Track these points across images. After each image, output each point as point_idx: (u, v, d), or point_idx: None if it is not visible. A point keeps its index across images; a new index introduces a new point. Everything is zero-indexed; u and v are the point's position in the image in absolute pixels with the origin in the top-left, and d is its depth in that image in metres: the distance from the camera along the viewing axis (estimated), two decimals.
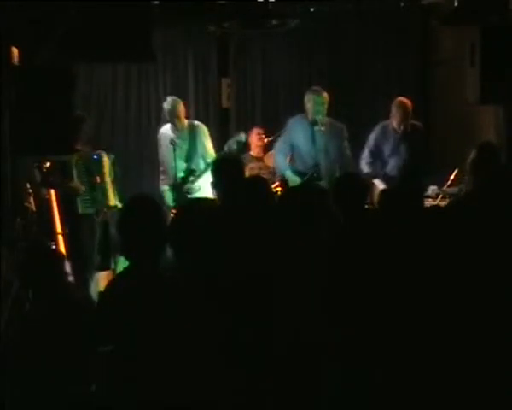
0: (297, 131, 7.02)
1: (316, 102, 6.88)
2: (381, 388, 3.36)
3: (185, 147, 7.26)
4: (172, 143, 7.15)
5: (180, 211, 3.67)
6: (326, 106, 6.91)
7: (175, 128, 7.31)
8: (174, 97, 7.41)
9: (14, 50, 4.90)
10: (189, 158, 7.25)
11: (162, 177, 7.47)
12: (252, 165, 7.72)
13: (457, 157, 5.98)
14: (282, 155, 7.05)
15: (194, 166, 7.23)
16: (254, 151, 8.02)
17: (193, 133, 7.32)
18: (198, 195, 7.12)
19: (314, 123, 6.88)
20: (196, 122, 7.45)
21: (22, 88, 4.91)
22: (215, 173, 5.27)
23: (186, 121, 7.37)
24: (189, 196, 7.13)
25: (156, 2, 5.82)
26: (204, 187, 7.21)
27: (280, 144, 7.15)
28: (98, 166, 7.01)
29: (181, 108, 7.30)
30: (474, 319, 3.37)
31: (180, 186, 7.20)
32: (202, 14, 6.63)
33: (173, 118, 7.25)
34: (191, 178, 7.17)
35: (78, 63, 6.28)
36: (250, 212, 4.15)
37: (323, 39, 8.89)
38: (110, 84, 8.76)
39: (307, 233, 3.63)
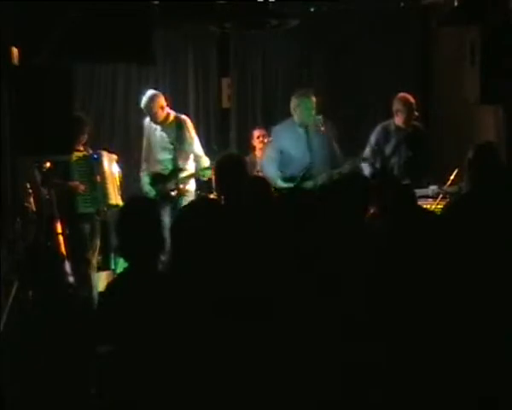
0: (286, 137, 6.89)
1: (306, 107, 6.78)
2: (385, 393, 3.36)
3: (171, 140, 7.17)
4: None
5: (182, 211, 3.67)
6: (314, 109, 6.80)
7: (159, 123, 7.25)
8: (151, 93, 7.27)
9: (14, 50, 4.90)
10: (175, 152, 7.16)
11: (144, 166, 7.38)
12: (258, 168, 7.61)
13: (457, 157, 5.98)
14: (272, 164, 6.83)
15: (181, 164, 7.19)
16: (259, 153, 7.95)
17: (179, 127, 7.22)
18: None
19: (303, 126, 6.82)
20: (183, 116, 7.33)
21: (22, 88, 4.90)
22: (218, 173, 5.28)
23: (172, 114, 7.27)
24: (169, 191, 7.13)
25: (156, 3, 5.82)
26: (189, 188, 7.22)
27: (269, 153, 6.97)
28: (98, 165, 7.02)
29: (160, 103, 7.16)
30: (472, 317, 3.37)
31: (161, 179, 7.18)
32: (202, 14, 6.62)
33: (149, 114, 7.19)
34: (176, 179, 7.14)
35: (78, 63, 6.28)
36: (251, 211, 4.15)
37: (323, 39, 8.88)
38: (110, 84, 8.76)
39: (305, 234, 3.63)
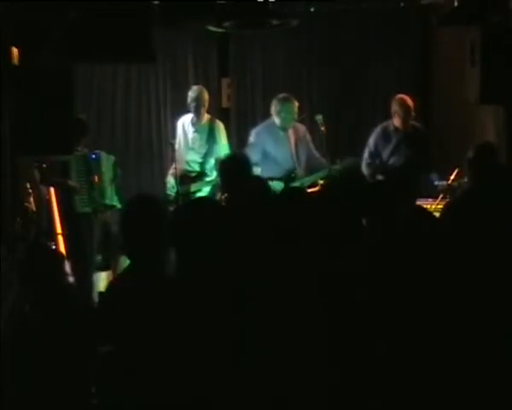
0: (268, 138, 7.03)
1: (289, 111, 6.96)
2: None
3: (202, 142, 7.22)
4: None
5: (183, 210, 3.66)
6: (296, 114, 7.00)
7: (196, 119, 7.27)
8: (200, 86, 7.44)
9: (14, 50, 4.90)
10: (204, 154, 7.22)
11: (173, 165, 7.26)
12: None
13: (457, 157, 5.98)
14: (255, 166, 6.75)
15: (207, 168, 7.21)
16: None
17: (212, 130, 7.27)
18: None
19: (283, 129, 7.00)
20: (217, 120, 7.42)
21: (22, 88, 4.91)
22: (222, 172, 5.30)
23: (207, 116, 7.34)
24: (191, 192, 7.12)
25: (156, 2, 5.82)
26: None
27: (251, 156, 6.71)
28: (96, 165, 7.02)
29: (206, 98, 7.29)
30: (471, 317, 3.36)
31: (186, 181, 7.17)
32: (202, 14, 6.62)
33: (197, 106, 7.22)
34: (200, 183, 7.14)
35: (78, 63, 6.28)
36: (252, 212, 4.15)
37: (323, 39, 8.88)
38: (110, 85, 8.76)
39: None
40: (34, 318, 3.80)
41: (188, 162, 7.26)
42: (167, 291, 3.29)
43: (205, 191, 7.18)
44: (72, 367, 3.65)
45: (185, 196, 6.98)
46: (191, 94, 7.30)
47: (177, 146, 7.32)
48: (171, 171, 7.27)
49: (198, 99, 7.24)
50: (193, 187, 7.13)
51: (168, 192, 7.16)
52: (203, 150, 7.22)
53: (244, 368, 3.21)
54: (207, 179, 7.18)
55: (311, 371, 3.29)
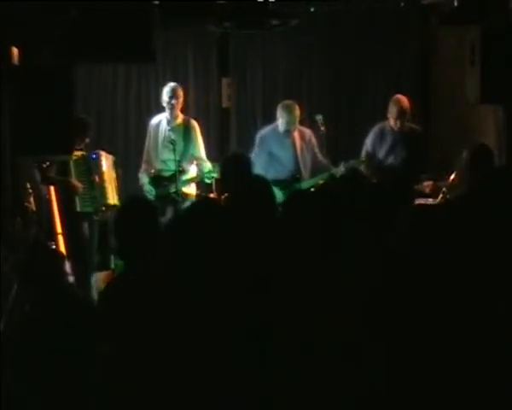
0: (273, 141, 7.13)
1: (288, 120, 7.05)
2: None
3: (178, 140, 7.19)
4: (172, 142, 7.13)
5: (182, 212, 3.67)
6: (297, 119, 7.09)
7: (170, 119, 7.26)
8: (175, 83, 7.45)
9: (14, 50, 4.90)
10: (180, 153, 7.19)
11: (144, 166, 7.39)
12: None
13: (457, 157, 5.98)
14: (261, 169, 6.87)
15: (184, 166, 7.21)
16: None
17: (187, 130, 7.29)
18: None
19: (286, 133, 7.11)
20: (191, 119, 7.43)
21: (22, 88, 4.91)
22: (223, 171, 5.31)
23: (181, 115, 7.35)
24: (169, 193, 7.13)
25: (156, 2, 5.82)
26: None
27: (256, 159, 6.91)
28: (97, 165, 7.02)
29: (180, 93, 7.29)
30: (472, 319, 3.36)
31: (161, 181, 7.19)
32: (202, 14, 6.62)
33: (170, 100, 7.21)
34: (180, 181, 7.13)
35: (78, 63, 6.28)
36: (253, 212, 4.15)
37: (323, 39, 8.88)
38: (110, 84, 8.76)
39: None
40: (34, 318, 3.80)
41: (164, 161, 7.26)
42: (166, 291, 3.29)
43: (187, 190, 7.20)
44: (72, 367, 3.65)
45: (165, 198, 7.04)
46: (165, 89, 7.32)
47: (147, 145, 7.38)
48: (143, 167, 7.36)
49: (171, 93, 7.24)
50: (172, 187, 7.10)
51: (146, 194, 7.16)
52: (180, 149, 7.18)
53: (242, 368, 3.21)
54: (185, 178, 7.17)
55: (310, 373, 3.30)
